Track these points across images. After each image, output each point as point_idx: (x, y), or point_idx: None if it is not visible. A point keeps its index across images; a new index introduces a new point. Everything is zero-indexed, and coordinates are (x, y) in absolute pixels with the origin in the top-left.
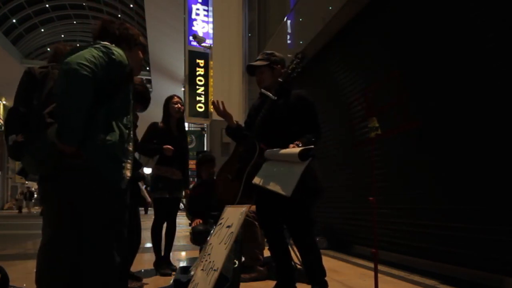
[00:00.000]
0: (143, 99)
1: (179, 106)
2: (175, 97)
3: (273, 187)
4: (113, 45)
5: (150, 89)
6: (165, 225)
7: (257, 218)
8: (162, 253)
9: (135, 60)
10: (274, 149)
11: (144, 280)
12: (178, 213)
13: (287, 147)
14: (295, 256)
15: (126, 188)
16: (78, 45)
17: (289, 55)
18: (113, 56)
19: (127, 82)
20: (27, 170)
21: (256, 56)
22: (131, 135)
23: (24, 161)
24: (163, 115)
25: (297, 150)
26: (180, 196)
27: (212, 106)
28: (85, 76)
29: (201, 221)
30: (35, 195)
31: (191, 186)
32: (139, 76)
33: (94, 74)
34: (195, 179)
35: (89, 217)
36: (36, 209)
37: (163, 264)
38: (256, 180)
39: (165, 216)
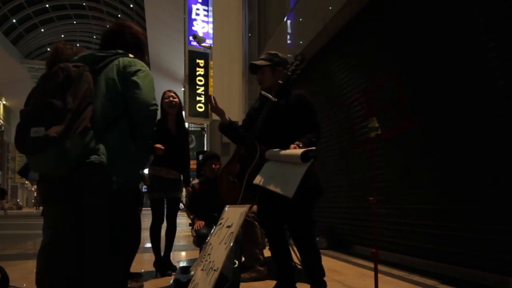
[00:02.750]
0: None
1: (171, 99)
2: (166, 92)
3: (275, 188)
4: (137, 59)
5: None
6: (165, 225)
7: (259, 218)
8: (162, 254)
9: None
10: (275, 150)
11: (144, 280)
12: (178, 213)
13: (287, 147)
14: (295, 256)
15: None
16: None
17: (289, 55)
18: (151, 76)
19: None
20: (37, 168)
21: (256, 56)
22: None
23: (43, 156)
24: (160, 114)
25: (299, 151)
26: (178, 195)
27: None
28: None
29: (203, 223)
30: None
31: (193, 182)
32: None
33: None
34: (194, 179)
35: (98, 218)
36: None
37: (163, 264)
38: (257, 180)
39: (164, 217)
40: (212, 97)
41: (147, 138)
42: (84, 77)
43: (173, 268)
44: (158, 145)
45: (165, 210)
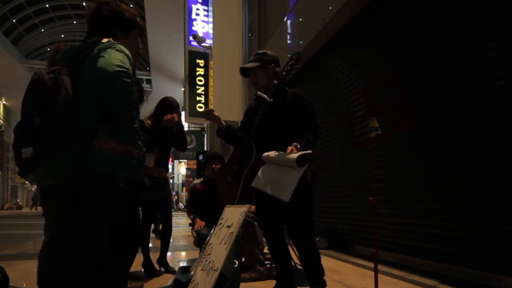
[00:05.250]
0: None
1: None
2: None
3: (271, 191)
4: (111, 39)
5: (150, 89)
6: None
7: (256, 219)
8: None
9: (133, 46)
10: (271, 152)
11: (144, 281)
12: (178, 214)
13: (285, 148)
14: (295, 256)
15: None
16: (77, 44)
17: (288, 55)
18: (127, 53)
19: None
20: (35, 180)
21: None
22: None
23: (36, 172)
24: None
25: (295, 155)
26: (168, 194)
27: (207, 111)
28: (130, 83)
29: (204, 224)
30: None
31: (194, 182)
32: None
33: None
34: (195, 179)
35: (96, 218)
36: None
37: (151, 266)
38: (255, 184)
39: (152, 219)
40: (208, 109)
41: (124, 115)
42: (60, 82)
43: (170, 270)
44: (169, 116)
45: (159, 211)
